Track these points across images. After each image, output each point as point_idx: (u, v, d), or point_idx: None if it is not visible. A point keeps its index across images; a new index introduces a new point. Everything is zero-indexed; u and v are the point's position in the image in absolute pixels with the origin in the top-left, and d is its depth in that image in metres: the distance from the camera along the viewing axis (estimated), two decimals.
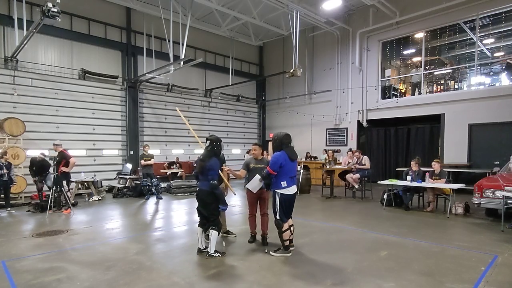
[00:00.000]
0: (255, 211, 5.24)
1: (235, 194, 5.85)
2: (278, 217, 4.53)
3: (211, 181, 4.35)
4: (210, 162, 4.43)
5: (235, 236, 5.58)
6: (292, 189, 4.56)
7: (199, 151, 4.78)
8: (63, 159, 7.87)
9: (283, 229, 4.54)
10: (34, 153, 9.00)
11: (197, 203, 4.65)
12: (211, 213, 4.50)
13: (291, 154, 4.57)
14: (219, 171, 4.92)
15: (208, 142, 4.59)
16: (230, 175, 5.20)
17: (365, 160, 9.37)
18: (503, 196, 5.96)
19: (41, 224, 6.69)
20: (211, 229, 4.50)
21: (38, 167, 8.44)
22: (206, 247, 4.63)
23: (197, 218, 4.74)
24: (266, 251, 4.75)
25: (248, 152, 13.14)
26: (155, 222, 7.10)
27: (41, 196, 8.50)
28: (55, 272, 4.03)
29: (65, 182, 8.03)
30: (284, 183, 4.49)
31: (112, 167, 12.03)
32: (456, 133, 11.00)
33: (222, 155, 5.23)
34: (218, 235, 4.61)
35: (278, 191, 4.51)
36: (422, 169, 8.02)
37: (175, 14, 10.60)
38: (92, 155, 11.72)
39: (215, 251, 4.52)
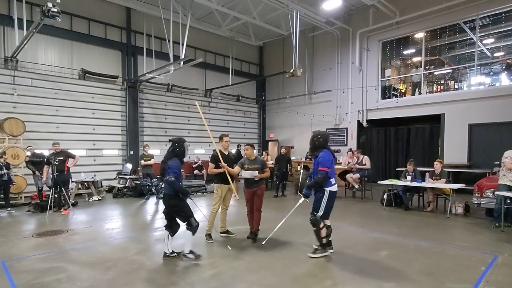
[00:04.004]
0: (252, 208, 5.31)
1: (237, 198, 5.86)
2: (319, 214, 4.39)
3: (166, 177, 4.24)
4: (169, 163, 4.37)
5: (235, 236, 5.58)
6: (336, 186, 4.52)
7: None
8: (67, 157, 7.89)
9: (321, 226, 4.44)
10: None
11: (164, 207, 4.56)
12: (178, 214, 4.41)
13: (332, 152, 4.56)
14: (226, 173, 4.91)
15: (170, 143, 4.55)
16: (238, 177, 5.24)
17: (365, 160, 9.38)
18: (496, 195, 6.00)
19: (41, 224, 6.69)
20: (186, 229, 4.38)
21: (37, 163, 8.45)
22: (173, 251, 4.50)
23: (197, 218, 4.69)
24: (263, 243, 4.73)
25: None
26: (155, 222, 7.09)
27: (41, 196, 8.51)
28: (55, 272, 4.03)
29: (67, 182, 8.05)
30: (333, 180, 4.42)
31: (112, 167, 12.02)
32: (456, 133, 11.00)
33: (237, 153, 5.25)
34: (193, 235, 4.43)
35: (328, 189, 4.38)
36: (422, 169, 8.03)
37: (175, 14, 10.59)
38: (92, 155, 11.72)
39: (190, 252, 4.40)
